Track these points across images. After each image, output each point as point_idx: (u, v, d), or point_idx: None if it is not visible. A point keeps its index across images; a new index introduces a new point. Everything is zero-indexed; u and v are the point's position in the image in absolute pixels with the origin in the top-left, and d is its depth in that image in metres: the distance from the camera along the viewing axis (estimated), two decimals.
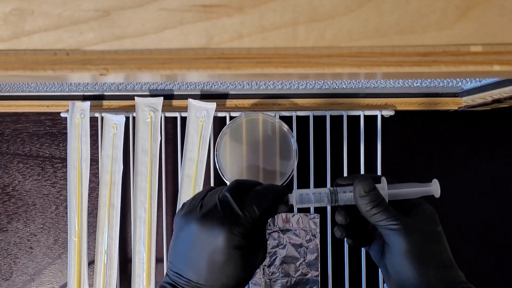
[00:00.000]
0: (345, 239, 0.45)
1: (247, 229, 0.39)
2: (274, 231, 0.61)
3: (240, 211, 0.40)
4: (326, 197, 0.43)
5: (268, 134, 0.64)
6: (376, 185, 0.42)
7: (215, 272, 0.39)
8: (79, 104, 0.66)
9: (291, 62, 0.28)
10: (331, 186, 0.46)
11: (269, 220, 0.59)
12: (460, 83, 0.65)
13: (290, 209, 0.44)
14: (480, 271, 0.69)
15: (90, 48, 0.28)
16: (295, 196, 0.43)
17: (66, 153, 0.67)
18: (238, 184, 0.43)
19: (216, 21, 0.28)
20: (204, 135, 0.65)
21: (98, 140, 0.66)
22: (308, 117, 0.65)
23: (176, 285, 0.40)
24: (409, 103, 0.66)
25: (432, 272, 0.39)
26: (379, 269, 0.64)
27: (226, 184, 0.64)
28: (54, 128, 0.70)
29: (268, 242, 0.61)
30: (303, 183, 0.64)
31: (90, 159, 0.66)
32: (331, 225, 0.64)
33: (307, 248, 0.61)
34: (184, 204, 0.43)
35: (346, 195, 0.42)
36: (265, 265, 0.60)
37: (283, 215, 0.61)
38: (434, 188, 0.42)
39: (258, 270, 0.60)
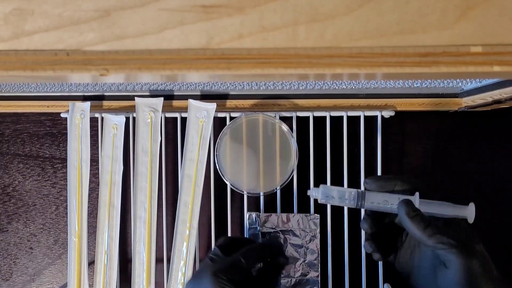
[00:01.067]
0: (373, 253, 0.45)
1: (234, 274, 0.43)
2: (274, 232, 0.61)
3: (227, 259, 0.44)
4: (352, 199, 0.44)
5: (268, 134, 0.64)
6: (410, 197, 0.42)
7: None
8: (79, 104, 0.66)
9: (291, 62, 0.28)
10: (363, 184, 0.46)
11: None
12: (460, 84, 0.65)
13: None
14: None
15: (90, 48, 0.28)
16: (320, 191, 0.45)
17: (66, 153, 0.67)
18: (227, 240, 0.49)
19: (216, 21, 0.28)
20: (204, 135, 0.65)
21: (98, 141, 0.66)
22: (308, 117, 0.65)
23: None
24: (409, 104, 0.66)
25: None
26: (379, 270, 0.64)
27: (226, 184, 0.64)
28: (54, 129, 0.70)
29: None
30: (303, 183, 0.64)
31: (90, 159, 0.66)
32: (331, 226, 0.64)
33: (307, 249, 0.61)
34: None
35: (373, 204, 0.43)
36: None
37: (283, 215, 0.61)
38: (470, 212, 0.41)
39: None
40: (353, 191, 0.44)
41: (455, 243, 0.39)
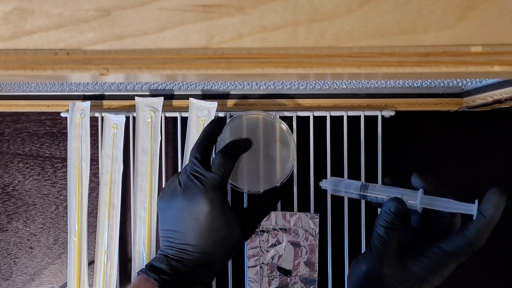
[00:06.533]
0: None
1: (221, 188, 0.44)
2: (273, 230, 0.61)
3: (209, 176, 0.44)
4: (355, 190, 0.45)
5: (268, 133, 0.64)
6: (409, 192, 0.41)
7: (204, 236, 0.43)
8: (79, 104, 0.66)
9: (291, 62, 0.28)
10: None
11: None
12: (460, 84, 0.65)
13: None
14: (479, 272, 0.69)
15: (91, 48, 0.28)
16: (329, 182, 0.47)
17: (66, 153, 0.67)
18: (202, 149, 0.47)
19: (217, 21, 0.28)
20: None
21: (98, 140, 0.66)
22: (308, 117, 0.65)
23: (169, 256, 0.44)
24: (409, 104, 0.66)
25: None
26: None
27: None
28: (54, 128, 0.70)
29: (267, 240, 0.61)
30: (303, 183, 0.64)
31: (90, 159, 0.66)
32: (331, 225, 0.64)
33: (306, 248, 0.61)
34: (163, 189, 0.47)
35: (377, 198, 0.43)
36: (263, 263, 0.60)
37: (283, 214, 0.61)
38: (474, 208, 0.40)
39: (257, 268, 0.60)
40: (358, 183, 0.44)
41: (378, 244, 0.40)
